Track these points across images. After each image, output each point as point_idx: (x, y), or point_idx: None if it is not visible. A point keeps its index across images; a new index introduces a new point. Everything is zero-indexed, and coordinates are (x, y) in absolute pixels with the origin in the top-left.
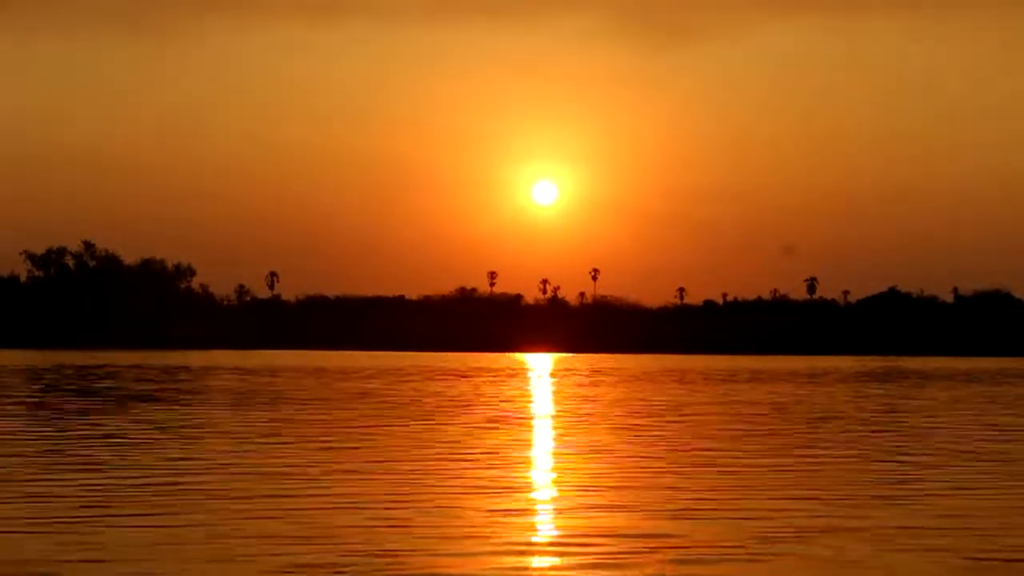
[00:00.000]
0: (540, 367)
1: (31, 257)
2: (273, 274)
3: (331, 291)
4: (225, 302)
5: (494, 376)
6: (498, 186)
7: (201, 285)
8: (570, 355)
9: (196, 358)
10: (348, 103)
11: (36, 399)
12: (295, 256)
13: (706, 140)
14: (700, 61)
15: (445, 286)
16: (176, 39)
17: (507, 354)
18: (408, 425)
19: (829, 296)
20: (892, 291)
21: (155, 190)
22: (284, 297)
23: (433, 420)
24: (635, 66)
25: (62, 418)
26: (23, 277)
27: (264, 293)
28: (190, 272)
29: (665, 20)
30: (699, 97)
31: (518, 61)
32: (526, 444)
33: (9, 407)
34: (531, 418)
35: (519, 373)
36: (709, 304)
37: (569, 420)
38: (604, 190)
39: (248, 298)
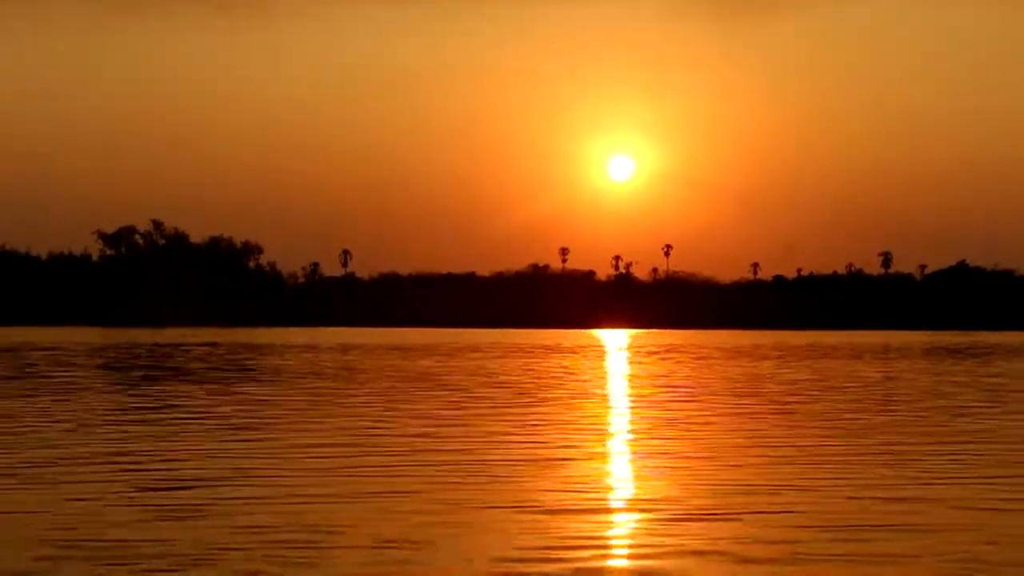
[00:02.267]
0: (617, 343)
1: (102, 236)
2: (346, 252)
3: (404, 268)
4: (292, 280)
5: (577, 352)
6: (571, 162)
7: (269, 263)
8: (643, 331)
9: (275, 336)
10: (421, 80)
11: (127, 377)
12: (368, 234)
13: (783, 115)
14: (779, 36)
15: (517, 263)
16: (251, 19)
17: (579, 330)
18: (533, 406)
19: (906, 270)
20: (962, 264)
21: (225, 169)
22: (358, 275)
23: (552, 400)
24: (713, 41)
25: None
26: (95, 256)
27: (336, 271)
28: (258, 250)
29: None
30: (776, 72)
31: (595, 36)
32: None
33: (112, 384)
34: (655, 398)
35: (600, 350)
36: (779, 279)
37: (682, 398)
38: (677, 166)
39: (318, 276)
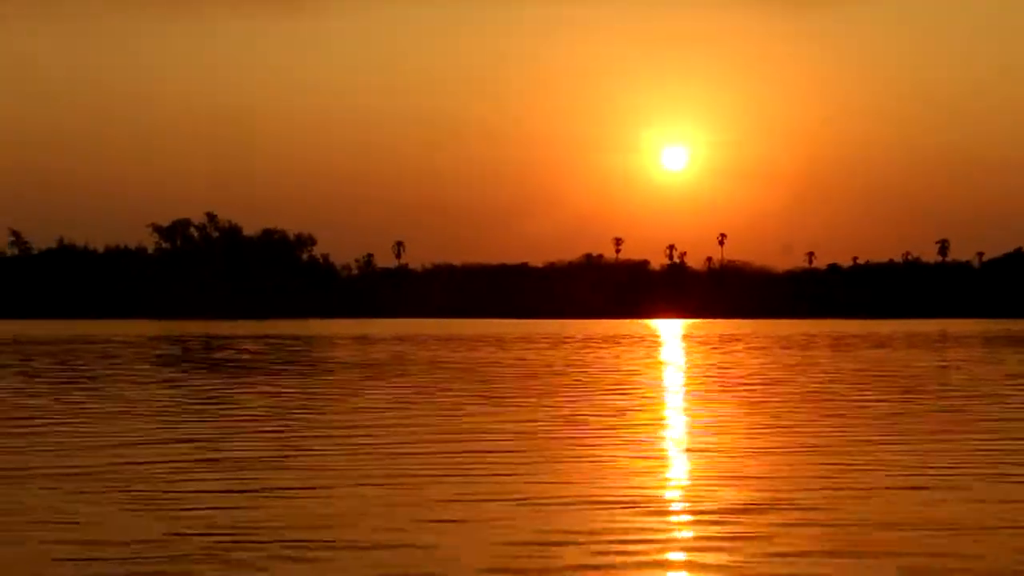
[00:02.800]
0: (671, 333)
1: (157, 229)
2: (399, 243)
3: (457, 259)
4: (346, 272)
5: (639, 343)
6: (626, 152)
7: (322, 255)
8: (698, 321)
9: (330, 328)
10: (473, 72)
11: (199, 368)
12: (421, 226)
13: (838, 103)
14: (833, 24)
15: (571, 253)
16: (303, 13)
17: (634, 320)
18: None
19: (963, 258)
20: (1019, 252)
21: (279, 162)
22: (411, 266)
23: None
24: (768, 30)
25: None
26: (150, 249)
27: (390, 262)
28: (311, 242)
29: None
30: (831, 60)
31: (649, 27)
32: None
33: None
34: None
35: (654, 340)
36: (834, 268)
37: (757, 390)
38: (732, 155)
39: (371, 267)
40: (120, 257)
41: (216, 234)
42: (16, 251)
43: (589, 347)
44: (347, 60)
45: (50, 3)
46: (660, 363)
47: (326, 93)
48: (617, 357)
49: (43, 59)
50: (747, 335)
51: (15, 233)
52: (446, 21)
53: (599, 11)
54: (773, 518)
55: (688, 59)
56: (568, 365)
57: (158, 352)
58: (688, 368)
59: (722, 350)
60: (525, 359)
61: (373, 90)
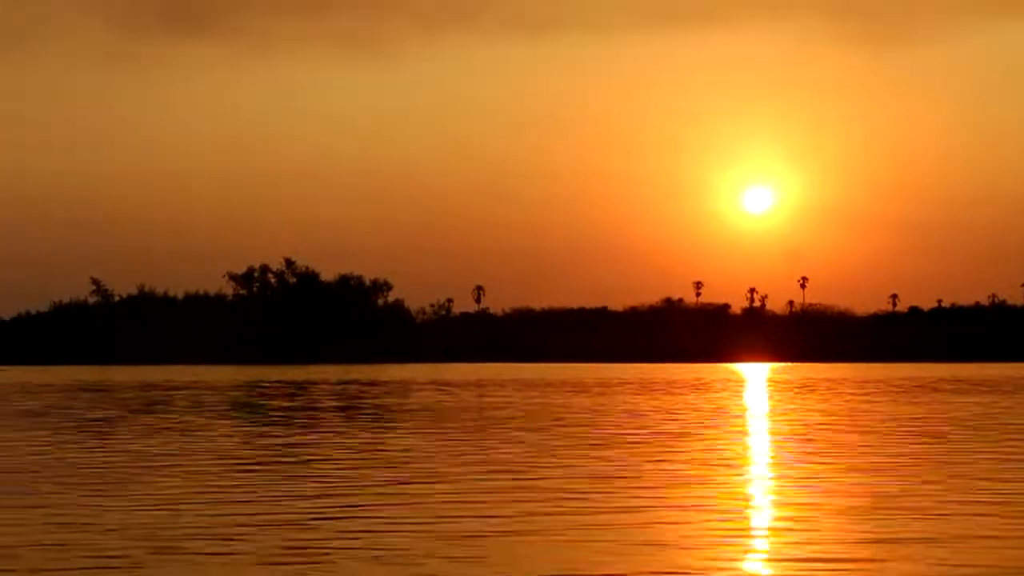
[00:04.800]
0: (747, 377)
1: (232, 277)
2: (479, 287)
3: (537, 304)
4: (421, 316)
5: (724, 387)
6: (705, 194)
7: (396, 300)
8: (780, 364)
9: (408, 372)
10: (550, 114)
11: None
12: (500, 272)
13: (923, 144)
14: (923, 61)
15: (651, 297)
16: (381, 57)
17: (714, 364)
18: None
19: None
20: None
21: (356, 206)
22: (491, 310)
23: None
24: (855, 66)
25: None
26: (229, 295)
27: (470, 307)
28: (386, 287)
29: (880, 21)
30: (919, 98)
31: (728, 68)
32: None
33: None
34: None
35: (736, 385)
36: (915, 310)
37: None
38: (813, 195)
39: (446, 312)
40: (199, 303)
41: (293, 280)
42: (98, 298)
43: (702, 390)
44: (425, 106)
45: (132, 50)
46: (743, 408)
47: (404, 138)
48: (726, 401)
49: (122, 106)
50: (844, 379)
51: (96, 281)
52: (522, 67)
53: (678, 49)
54: None
55: (768, 102)
56: (736, 412)
57: (243, 397)
58: (758, 414)
59: (843, 395)
60: (669, 405)
61: (451, 135)
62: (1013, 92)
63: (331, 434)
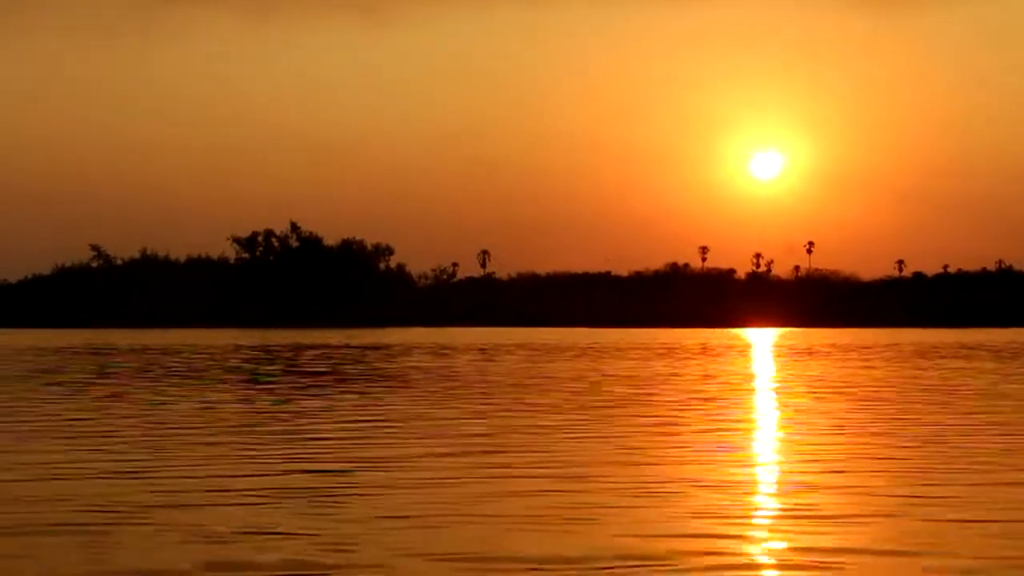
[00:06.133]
0: (750, 342)
1: (237, 241)
2: (485, 252)
3: (542, 268)
4: (422, 281)
5: (733, 351)
6: (712, 160)
7: (399, 264)
8: (787, 330)
9: (409, 336)
10: (558, 83)
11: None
12: (505, 238)
13: (931, 110)
14: (929, 28)
15: (656, 262)
16: (385, 24)
17: (721, 329)
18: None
19: None
20: None
21: (362, 172)
22: (497, 275)
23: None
24: (862, 33)
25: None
26: (232, 259)
27: (476, 271)
28: (388, 251)
29: None
30: (925, 64)
31: (736, 33)
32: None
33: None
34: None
35: (741, 350)
36: (919, 275)
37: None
38: (819, 162)
39: (448, 277)
40: (202, 267)
41: (296, 244)
42: (99, 263)
43: (726, 356)
44: (427, 71)
45: (131, 15)
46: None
47: (408, 104)
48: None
49: (122, 70)
50: (855, 345)
51: (96, 248)
52: (526, 34)
53: (685, 17)
54: None
55: (775, 67)
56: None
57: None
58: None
59: (862, 360)
60: (713, 370)
61: (456, 101)
62: (1022, 56)
63: (308, 399)
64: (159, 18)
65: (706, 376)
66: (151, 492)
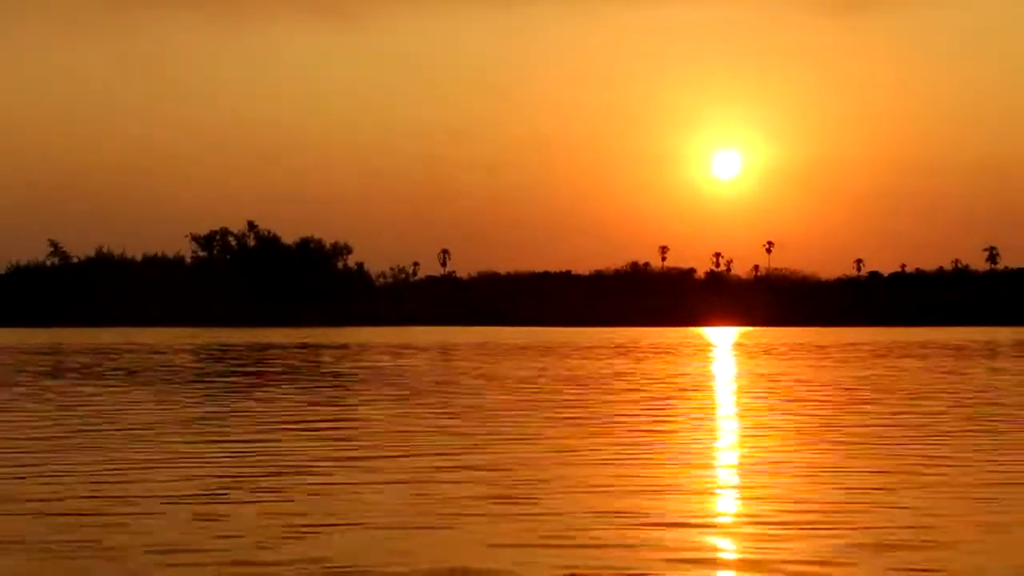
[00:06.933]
0: (706, 342)
1: (195, 239)
2: (445, 251)
3: (502, 267)
4: (381, 280)
5: (697, 351)
6: (672, 160)
7: (358, 263)
8: (746, 329)
9: (367, 336)
10: (517, 82)
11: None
12: (466, 237)
13: (890, 110)
14: (884, 28)
15: (616, 261)
16: (346, 25)
17: (680, 328)
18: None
19: (1013, 265)
20: None
21: (321, 171)
22: (458, 274)
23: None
24: (816, 36)
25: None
26: (188, 258)
27: (436, 270)
28: (346, 250)
29: None
30: (880, 66)
31: (696, 33)
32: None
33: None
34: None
35: (708, 348)
36: (875, 275)
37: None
38: (779, 162)
39: (407, 276)
40: (158, 265)
41: (254, 243)
42: (56, 261)
43: (693, 358)
44: (388, 71)
45: (89, 16)
46: (709, 373)
47: (369, 103)
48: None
49: (82, 71)
50: (814, 344)
51: (53, 244)
52: (489, 33)
53: (646, 15)
54: None
55: (738, 68)
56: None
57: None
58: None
59: (826, 360)
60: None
61: (417, 100)
62: (981, 58)
63: (247, 401)
64: (122, 19)
65: (656, 377)
66: (27, 500)
